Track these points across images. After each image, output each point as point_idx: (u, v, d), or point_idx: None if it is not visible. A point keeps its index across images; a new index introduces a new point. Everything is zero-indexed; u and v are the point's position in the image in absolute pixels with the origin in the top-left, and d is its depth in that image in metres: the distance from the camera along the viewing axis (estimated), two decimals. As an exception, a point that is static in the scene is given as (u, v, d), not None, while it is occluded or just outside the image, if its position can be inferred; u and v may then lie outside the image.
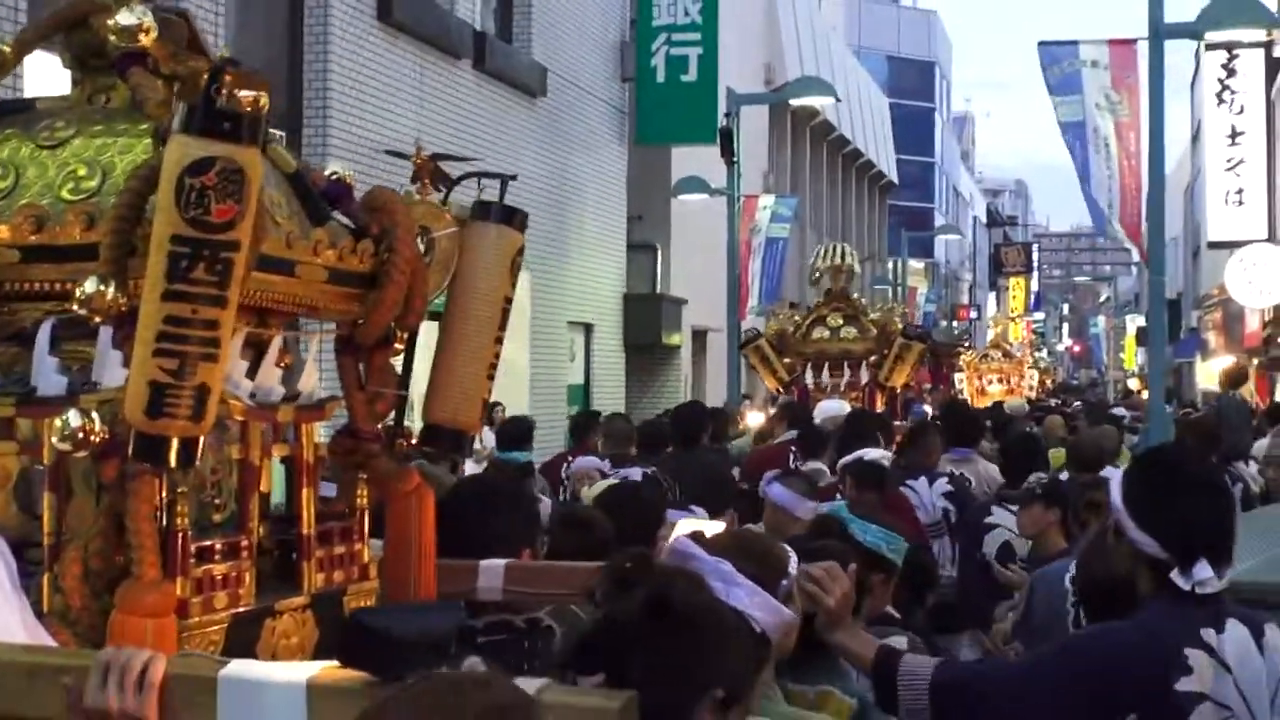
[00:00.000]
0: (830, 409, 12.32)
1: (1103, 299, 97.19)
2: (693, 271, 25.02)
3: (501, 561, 3.63)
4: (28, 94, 3.66)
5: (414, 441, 3.57)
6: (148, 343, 2.68)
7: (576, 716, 2.28)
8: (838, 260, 14.55)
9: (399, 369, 3.47)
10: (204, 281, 2.67)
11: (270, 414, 3.16)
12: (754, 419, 13.87)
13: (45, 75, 3.56)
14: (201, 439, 2.75)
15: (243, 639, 3.00)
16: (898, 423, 13.04)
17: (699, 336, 27.01)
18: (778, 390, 14.49)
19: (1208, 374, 38.10)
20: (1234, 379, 18.44)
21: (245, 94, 2.78)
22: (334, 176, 3.29)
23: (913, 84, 63.74)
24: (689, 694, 2.54)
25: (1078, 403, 28.87)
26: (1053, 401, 31.94)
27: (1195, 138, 42.28)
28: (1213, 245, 30.28)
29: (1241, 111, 28.08)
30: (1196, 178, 39.04)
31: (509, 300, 3.59)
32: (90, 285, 2.76)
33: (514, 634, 3.79)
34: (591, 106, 22.41)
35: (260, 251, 2.83)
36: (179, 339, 2.67)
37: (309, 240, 3.06)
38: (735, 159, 20.73)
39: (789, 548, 3.31)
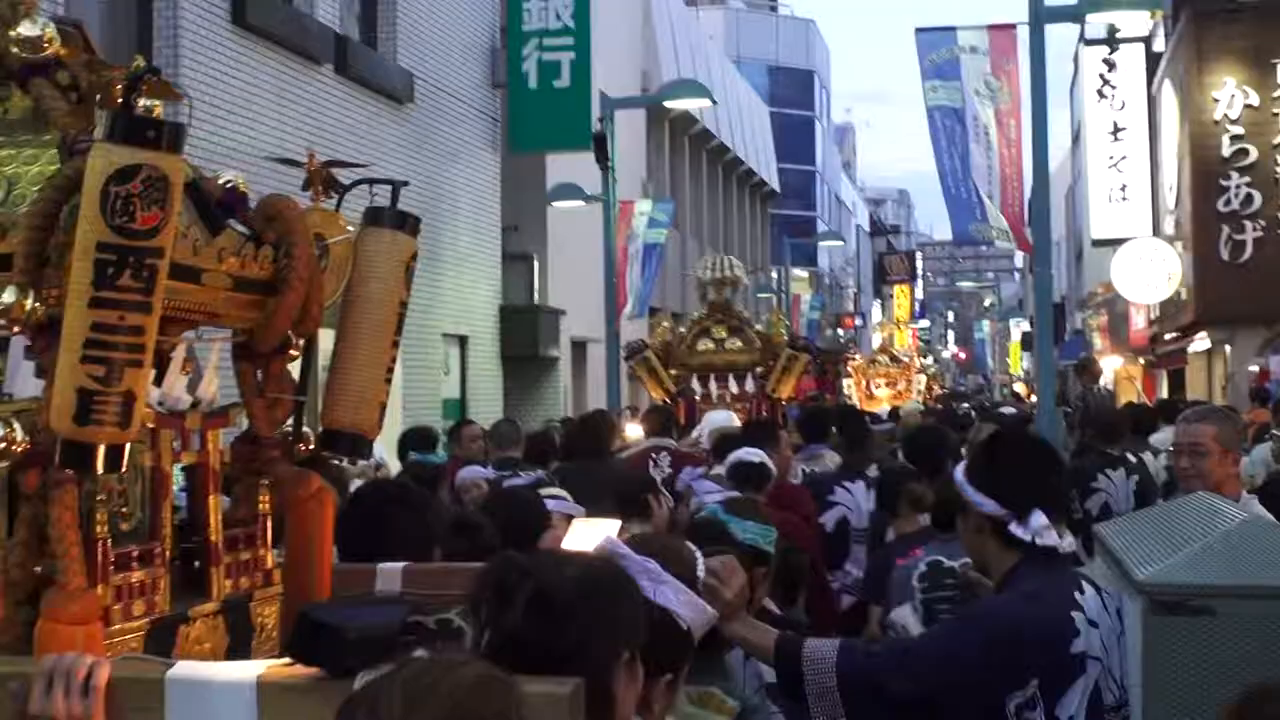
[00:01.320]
0: (718, 420, 12.34)
1: (986, 304, 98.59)
2: (571, 281, 25.13)
3: (399, 565, 3.69)
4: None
5: (312, 446, 3.63)
6: (74, 350, 2.73)
7: (531, 701, 2.28)
8: (724, 272, 14.71)
9: (296, 375, 3.56)
10: (130, 288, 2.73)
11: (178, 421, 3.23)
12: (633, 431, 14.01)
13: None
14: (127, 445, 2.82)
15: (160, 646, 3.04)
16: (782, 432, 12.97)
17: (579, 347, 27.14)
18: (664, 401, 14.51)
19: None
20: (1091, 374, 18.89)
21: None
22: (228, 184, 3.34)
23: (792, 93, 64.11)
24: (603, 666, 2.59)
25: (965, 405, 29.35)
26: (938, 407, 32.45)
27: (1075, 140, 43.18)
28: (1097, 243, 30.92)
29: (1123, 107, 28.76)
30: (1078, 180, 39.85)
31: (404, 305, 3.68)
32: (8, 295, 2.81)
33: (425, 636, 3.55)
34: (462, 114, 22.45)
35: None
36: (107, 345, 2.73)
37: (213, 248, 3.13)
38: (610, 164, 20.74)
39: (694, 547, 3.44)
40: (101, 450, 2.76)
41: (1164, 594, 3.97)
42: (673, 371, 14.34)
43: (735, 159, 44.42)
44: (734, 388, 14.06)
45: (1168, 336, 29.29)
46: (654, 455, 11.54)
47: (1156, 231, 28.28)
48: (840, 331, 59.63)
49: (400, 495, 4.32)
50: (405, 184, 3.95)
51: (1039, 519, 3.87)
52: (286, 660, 2.57)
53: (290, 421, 3.57)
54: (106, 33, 13.92)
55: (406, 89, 20.06)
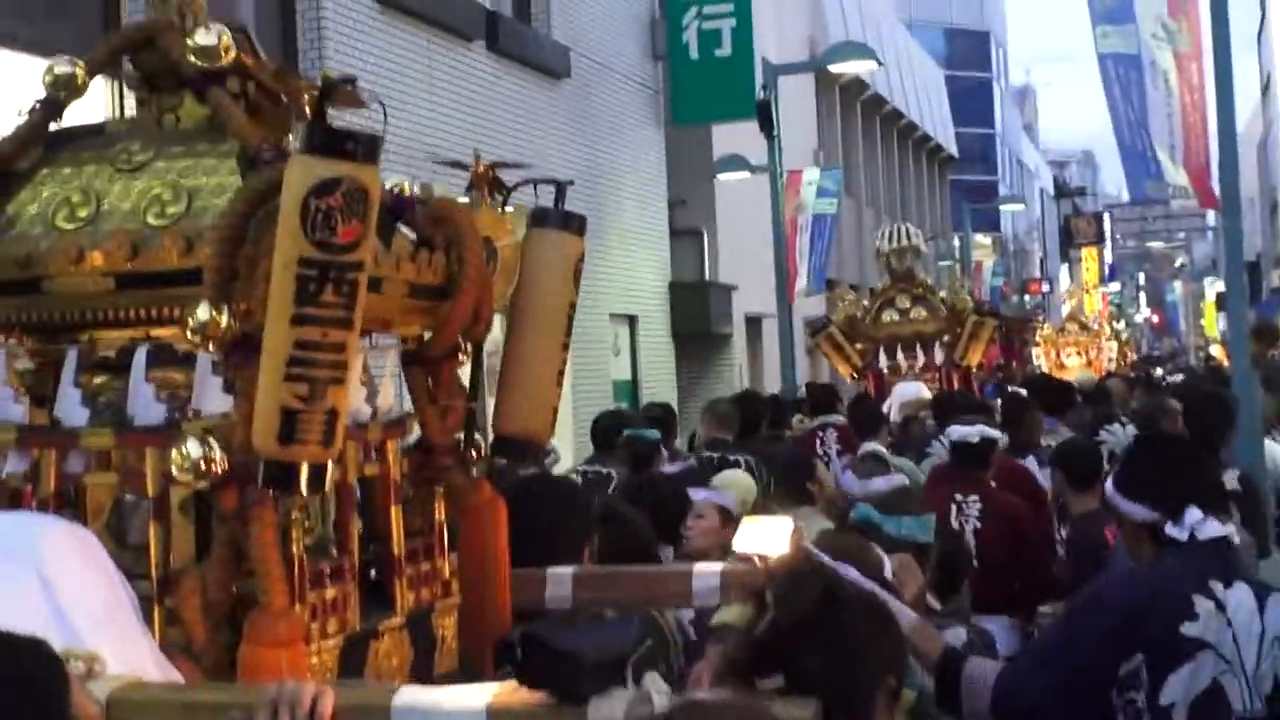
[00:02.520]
0: (907, 392, 12.68)
1: (1177, 265, 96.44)
2: (743, 256, 24.96)
3: (569, 569, 3.75)
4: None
5: (484, 453, 3.66)
6: (277, 369, 2.76)
7: None
8: (902, 241, 14.81)
9: (465, 381, 3.59)
10: (332, 304, 2.75)
11: (362, 434, 3.25)
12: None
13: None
14: (330, 464, 2.85)
15: (352, 663, 3.10)
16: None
17: (753, 323, 26.98)
18: (852, 377, 14.87)
19: (1295, 338, 37.86)
20: (1266, 338, 18.16)
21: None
22: (395, 190, 3.35)
23: (968, 55, 63.35)
24: (868, 684, 2.66)
25: (1159, 371, 28.53)
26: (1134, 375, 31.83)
27: (1265, 90, 42.10)
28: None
29: (1316, 53, 27.95)
30: (1269, 132, 38.82)
31: (573, 306, 3.73)
32: (203, 312, 2.84)
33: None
34: (621, 87, 22.33)
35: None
36: (309, 363, 2.75)
37: (391, 255, 3.14)
38: (775, 133, 20.64)
39: (877, 547, 3.56)
40: (305, 469, 2.79)
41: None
42: (858, 346, 14.50)
43: (910, 124, 43.89)
44: (921, 358, 14.19)
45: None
46: (820, 434, 11.76)
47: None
48: (1027, 298, 58.81)
49: (543, 495, 4.31)
50: (570, 183, 4.02)
51: (1194, 514, 3.99)
52: (513, 685, 2.57)
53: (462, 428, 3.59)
54: (247, 21, 14.11)
55: (563, 64, 20.00)
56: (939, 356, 14.19)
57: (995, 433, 8.51)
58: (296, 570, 2.96)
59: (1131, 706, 3.88)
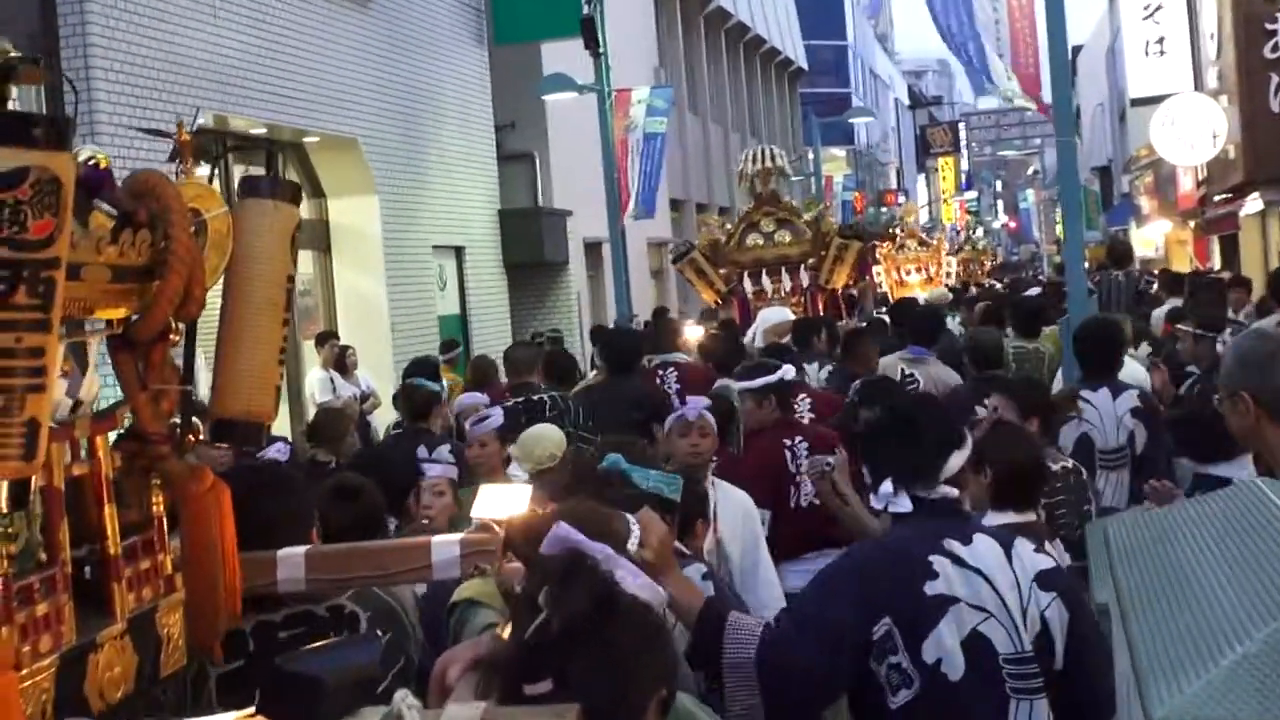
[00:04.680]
0: (771, 317, 12.45)
1: (1030, 172, 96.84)
2: (578, 179, 23.72)
3: (300, 550, 3.60)
4: None
5: (203, 437, 3.47)
6: None
7: None
8: (766, 163, 14.66)
9: (179, 363, 3.37)
10: (27, 306, 2.54)
11: (67, 431, 3.02)
12: (692, 332, 13.40)
13: None
14: (34, 478, 2.67)
15: (71, 680, 2.90)
16: (843, 323, 13.35)
17: (592, 249, 25.84)
18: (716, 303, 14.78)
19: (1143, 240, 37.05)
20: (1119, 257, 17.74)
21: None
22: (91, 161, 3.03)
23: (818, -38, 62.44)
24: (639, 695, 2.56)
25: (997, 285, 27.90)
26: (995, 284, 31.07)
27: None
28: (1136, 102, 29.07)
29: (1156, -50, 26.88)
30: (1116, 37, 37.85)
31: (291, 280, 3.51)
32: None
33: (317, 625, 3.80)
34: (438, 5, 21.16)
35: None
36: (4, 372, 2.54)
37: (90, 239, 2.90)
38: (603, 50, 19.49)
39: (628, 516, 3.39)
40: (4, 487, 2.61)
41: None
42: (722, 271, 14.50)
43: (757, 38, 42.93)
44: (788, 282, 14.19)
45: (1217, 199, 27.32)
46: (660, 373, 11.22)
47: (1198, 86, 26.34)
48: (884, 209, 58.16)
49: (264, 481, 4.09)
50: (274, 149, 3.75)
51: (886, 487, 4.14)
52: (250, 712, 2.53)
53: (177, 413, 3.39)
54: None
55: (367, -16, 18.70)
56: (805, 279, 14.11)
57: (779, 375, 8.01)
58: (2, 591, 2.72)
59: (896, 671, 3.96)
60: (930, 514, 4.11)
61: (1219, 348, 9.80)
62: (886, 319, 13.91)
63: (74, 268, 2.80)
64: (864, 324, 13.76)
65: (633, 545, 3.29)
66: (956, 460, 4.19)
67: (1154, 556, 2.34)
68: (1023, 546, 4.11)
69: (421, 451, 7.51)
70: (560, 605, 2.52)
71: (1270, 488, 2.40)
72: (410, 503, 6.32)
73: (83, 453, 3.11)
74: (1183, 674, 2.04)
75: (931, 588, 3.96)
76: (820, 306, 13.87)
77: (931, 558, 3.98)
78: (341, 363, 16.33)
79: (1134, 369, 9.53)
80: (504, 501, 3.67)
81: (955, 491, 4.19)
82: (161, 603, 3.27)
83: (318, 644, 3.27)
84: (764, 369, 8.12)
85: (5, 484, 2.61)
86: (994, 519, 5.35)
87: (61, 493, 2.98)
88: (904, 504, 4.13)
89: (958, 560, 4.00)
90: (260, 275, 3.43)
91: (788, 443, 7.78)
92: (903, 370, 10.03)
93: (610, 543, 3.10)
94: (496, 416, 8.19)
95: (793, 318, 12.51)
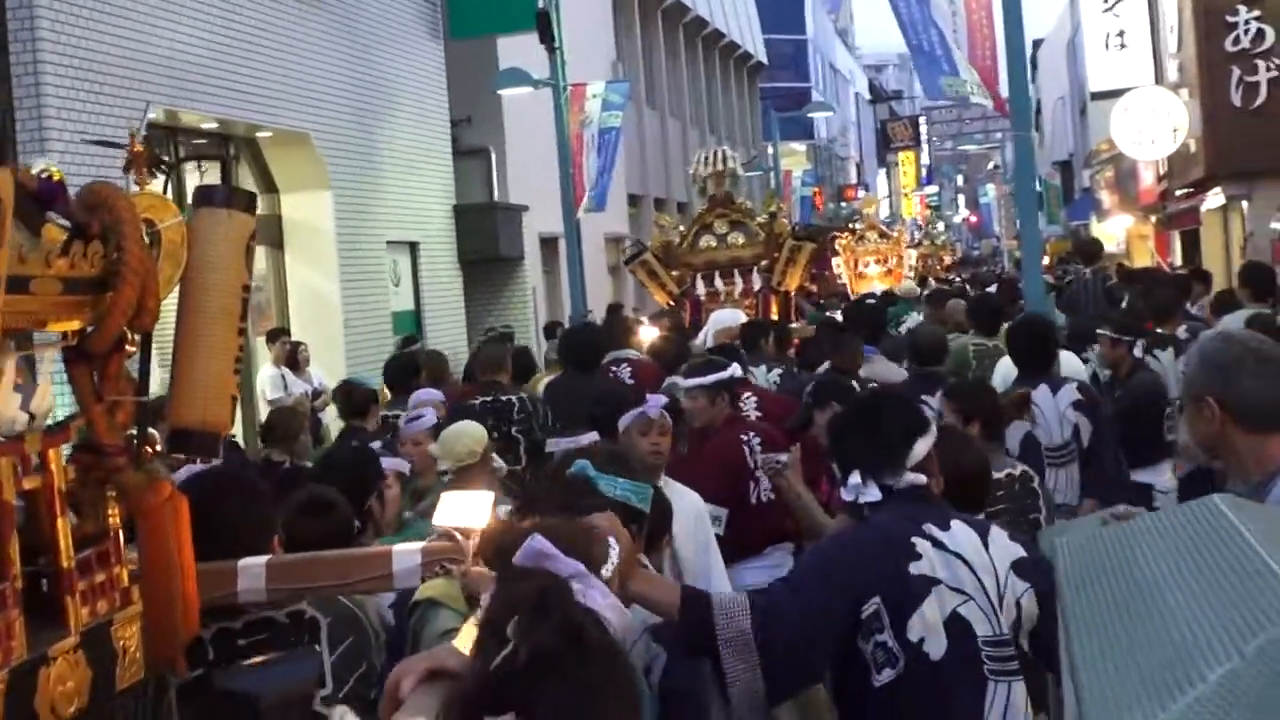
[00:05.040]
0: (724, 319, 12.30)
1: (991, 166, 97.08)
2: (535, 174, 23.60)
3: (261, 560, 3.60)
4: None
5: (159, 449, 3.51)
6: None
7: None
8: (719, 165, 14.49)
9: (135, 374, 3.34)
10: None
11: (17, 445, 2.99)
12: (647, 333, 12.96)
13: None
14: None
15: (21, 696, 2.89)
16: (794, 325, 13.49)
17: (548, 244, 25.63)
18: (668, 304, 14.44)
19: (1105, 235, 37.02)
20: (1087, 255, 17.73)
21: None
22: (44, 174, 3.05)
23: (777, -43, 62.32)
24: None
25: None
26: (955, 279, 30.95)
27: (1073, -10, 41.04)
28: (1096, 96, 28.99)
29: (1117, -60, 26.74)
30: (1076, 31, 37.83)
31: (247, 288, 3.51)
32: None
33: (278, 632, 3.83)
34: (394, 1, 20.86)
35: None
36: None
37: (40, 251, 2.92)
38: (557, 45, 19.31)
39: (609, 537, 3.20)
40: None
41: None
42: (675, 272, 14.33)
43: (716, 32, 42.74)
44: (740, 284, 14.05)
45: (1179, 193, 27.25)
46: (614, 369, 11.05)
47: (1159, 80, 26.25)
48: (844, 204, 58.06)
49: (223, 487, 4.07)
50: (224, 162, 3.55)
51: (854, 479, 4.20)
52: None
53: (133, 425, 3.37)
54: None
55: (322, -28, 18.44)
56: (757, 282, 13.99)
57: (730, 371, 8.03)
58: None
59: (882, 649, 4.02)
60: (902, 500, 4.17)
61: (1136, 352, 9.81)
62: (839, 318, 13.82)
63: (23, 280, 2.83)
64: (812, 325, 13.59)
65: (608, 570, 3.12)
66: (922, 446, 4.23)
67: (1103, 585, 2.17)
68: (998, 534, 4.22)
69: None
70: (529, 636, 2.43)
71: (1230, 507, 2.24)
72: (373, 505, 6.16)
73: (34, 466, 3.08)
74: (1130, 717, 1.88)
75: (915, 568, 4.04)
76: (772, 308, 13.76)
77: (913, 539, 4.08)
78: (294, 359, 16.13)
79: (1071, 362, 9.55)
80: (466, 510, 3.61)
81: (923, 478, 4.23)
82: (117, 616, 3.25)
83: (255, 659, 3.32)
84: (714, 366, 8.02)
85: None
86: None
87: (11, 507, 2.96)
88: (873, 493, 4.18)
89: (938, 543, 4.09)
90: (215, 284, 3.43)
91: (744, 438, 7.70)
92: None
93: (590, 565, 2.99)
94: (429, 416, 8.13)
95: (744, 320, 12.41)
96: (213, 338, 3.43)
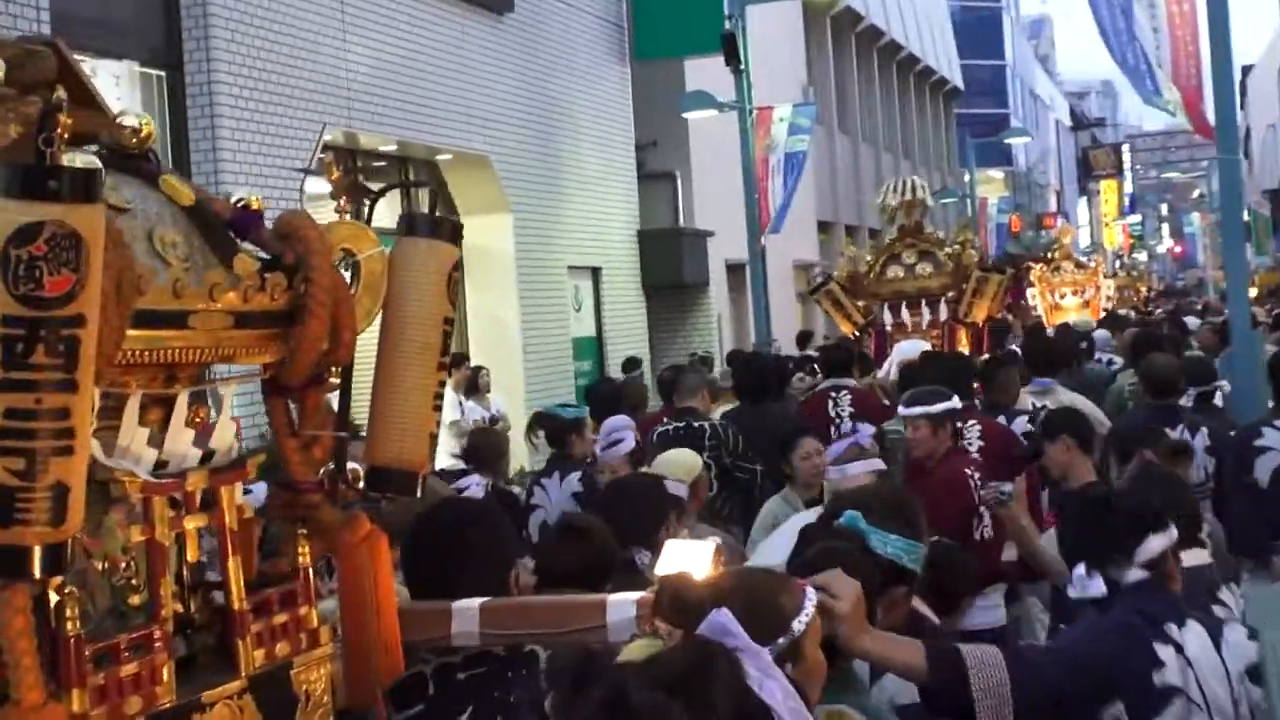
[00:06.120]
0: (906, 350, 12.05)
1: (1196, 194, 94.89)
2: (721, 199, 23.11)
3: (476, 603, 3.56)
4: None
5: (360, 486, 3.41)
6: None
7: None
8: (908, 195, 14.29)
9: (335, 408, 3.34)
10: (47, 366, 2.49)
11: (176, 484, 2.99)
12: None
13: None
14: (69, 542, 2.58)
15: None
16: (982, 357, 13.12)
17: (735, 271, 25.23)
18: (854, 334, 14.45)
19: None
20: None
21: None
22: (240, 203, 3.10)
23: (975, -16, 61.63)
24: None
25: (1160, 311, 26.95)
26: (1156, 311, 30.18)
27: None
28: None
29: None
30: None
31: (450, 321, 3.43)
32: None
33: (495, 664, 3.85)
34: (578, 21, 20.72)
35: (137, 308, 2.69)
36: (23, 434, 2.50)
37: (202, 286, 2.90)
38: (744, 67, 18.95)
39: (807, 588, 3.20)
40: (37, 552, 2.53)
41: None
42: (861, 302, 14.14)
43: (910, 56, 42.13)
44: (927, 315, 13.84)
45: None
46: (833, 395, 11.06)
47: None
48: (1042, 233, 56.99)
49: (470, 515, 4.18)
50: (433, 188, 3.54)
51: (1079, 571, 4.13)
52: None
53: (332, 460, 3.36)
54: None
55: (503, -4, 18.31)
56: (944, 313, 13.73)
57: (950, 403, 7.88)
58: (72, 653, 2.67)
59: None
60: (1135, 594, 4.08)
61: None
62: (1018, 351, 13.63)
63: (179, 316, 2.83)
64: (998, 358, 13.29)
65: (800, 625, 3.09)
66: (1156, 543, 4.12)
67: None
68: (1233, 633, 4.12)
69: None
70: (567, 713, 2.40)
71: None
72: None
73: (198, 504, 3.04)
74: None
75: (1159, 677, 3.97)
76: (958, 340, 13.56)
77: (1156, 645, 4.00)
78: (474, 384, 15.95)
79: None
80: (687, 560, 3.40)
81: (1147, 574, 4.12)
82: (300, 659, 3.20)
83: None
84: (938, 395, 7.88)
85: (38, 548, 2.56)
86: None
87: (164, 548, 2.94)
88: (1096, 587, 4.14)
89: (1178, 646, 4.00)
90: (415, 317, 3.36)
91: (968, 472, 7.48)
92: (1032, 404, 9.75)
93: (774, 619, 3.04)
94: (628, 441, 8.20)
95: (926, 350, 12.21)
96: (412, 372, 3.37)
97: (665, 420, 10.22)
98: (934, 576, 4.72)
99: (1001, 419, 8.95)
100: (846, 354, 12.48)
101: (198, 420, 3.06)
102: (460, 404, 15.69)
